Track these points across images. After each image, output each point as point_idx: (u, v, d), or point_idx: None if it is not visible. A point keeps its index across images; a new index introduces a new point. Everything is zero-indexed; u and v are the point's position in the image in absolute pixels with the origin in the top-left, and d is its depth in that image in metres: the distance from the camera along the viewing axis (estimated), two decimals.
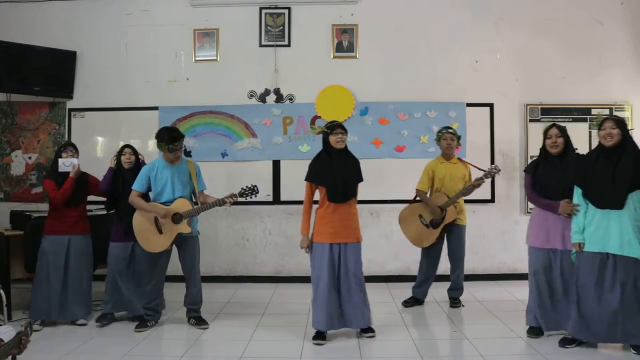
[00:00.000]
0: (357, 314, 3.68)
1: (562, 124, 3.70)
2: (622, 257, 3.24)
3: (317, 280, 3.68)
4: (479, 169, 4.50)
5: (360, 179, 3.81)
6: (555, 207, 3.50)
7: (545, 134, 3.67)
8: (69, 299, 4.03)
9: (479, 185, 4.36)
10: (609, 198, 3.26)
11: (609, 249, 3.27)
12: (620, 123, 3.34)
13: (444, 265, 4.60)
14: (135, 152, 4.22)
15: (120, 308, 4.16)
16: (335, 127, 3.72)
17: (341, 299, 3.67)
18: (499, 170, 4.45)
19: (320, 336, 3.66)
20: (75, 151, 4.15)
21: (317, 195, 3.82)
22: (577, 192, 3.43)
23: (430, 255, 4.51)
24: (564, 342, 3.44)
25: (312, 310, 3.73)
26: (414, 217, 4.47)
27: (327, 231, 3.68)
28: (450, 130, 4.48)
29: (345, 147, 3.77)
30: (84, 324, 4.05)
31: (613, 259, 3.27)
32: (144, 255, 4.07)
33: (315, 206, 3.81)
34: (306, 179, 3.78)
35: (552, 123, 3.72)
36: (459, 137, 4.54)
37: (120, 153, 4.20)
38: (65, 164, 4.02)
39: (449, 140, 4.44)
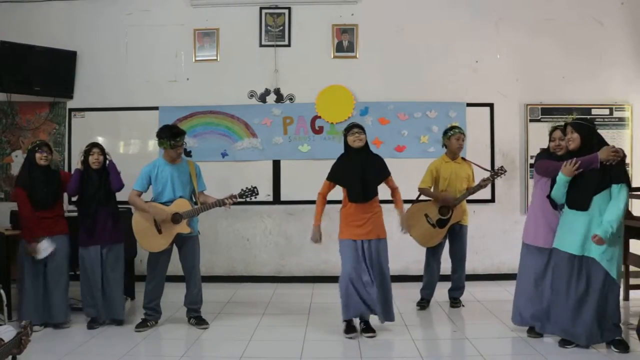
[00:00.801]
0: (388, 308, 3.80)
1: (563, 125, 3.68)
2: (586, 257, 3.30)
3: (342, 275, 3.77)
4: (484, 168, 4.51)
5: (383, 175, 3.85)
6: (595, 157, 3.24)
7: (550, 135, 3.68)
8: (51, 301, 3.95)
9: (485, 186, 4.37)
10: (575, 199, 3.34)
11: (569, 249, 3.34)
12: (581, 127, 3.35)
13: (443, 265, 4.59)
14: (103, 151, 4.08)
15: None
16: (351, 127, 3.84)
17: (363, 292, 3.72)
18: (505, 172, 4.45)
19: (350, 329, 3.76)
20: (49, 151, 4.03)
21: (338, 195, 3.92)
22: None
23: (436, 255, 4.51)
24: (564, 343, 3.45)
25: (342, 305, 3.77)
26: (420, 217, 4.45)
27: (350, 230, 3.79)
28: (462, 130, 4.46)
29: (366, 145, 3.84)
30: (68, 327, 4.01)
31: (579, 260, 3.33)
32: (115, 260, 4.04)
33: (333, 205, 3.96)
34: (327, 179, 3.88)
35: (556, 125, 3.71)
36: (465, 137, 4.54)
37: (87, 152, 4.04)
38: (47, 251, 3.86)
39: (460, 141, 4.43)
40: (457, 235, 4.48)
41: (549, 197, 3.51)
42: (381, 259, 3.78)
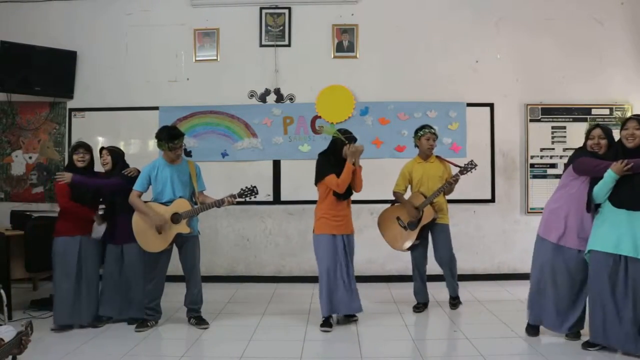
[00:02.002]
0: (354, 300, 4.00)
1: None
2: (635, 260, 3.15)
3: (323, 270, 3.96)
4: (457, 166, 4.36)
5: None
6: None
7: (588, 134, 3.53)
8: (83, 300, 3.97)
9: (455, 182, 4.25)
10: (627, 198, 3.19)
11: (622, 251, 3.19)
12: None
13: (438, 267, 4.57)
14: (110, 152, 4.13)
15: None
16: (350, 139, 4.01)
17: (344, 286, 3.96)
18: (475, 166, 4.31)
19: (327, 324, 3.95)
20: (85, 151, 4.05)
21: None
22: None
23: (416, 257, 4.45)
24: (587, 345, 3.37)
25: (320, 299, 3.98)
26: (391, 220, 4.45)
27: (329, 226, 3.99)
28: (432, 130, 4.37)
29: None
30: (100, 326, 4.03)
31: (625, 262, 3.19)
32: (134, 260, 4.04)
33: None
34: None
35: (596, 123, 3.61)
36: (437, 136, 4.44)
37: (100, 154, 4.17)
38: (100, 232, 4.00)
39: (431, 141, 4.36)
40: (437, 235, 4.39)
41: (589, 195, 3.33)
42: (352, 252, 4.10)
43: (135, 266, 4.06)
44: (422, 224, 4.33)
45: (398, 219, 4.43)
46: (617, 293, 3.21)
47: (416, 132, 4.43)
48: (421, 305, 4.47)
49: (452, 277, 4.45)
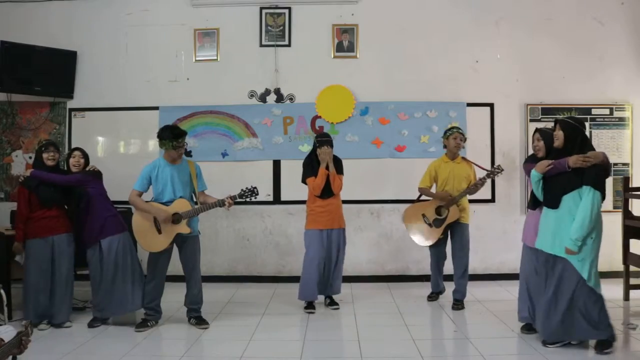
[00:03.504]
0: (339, 284, 4.53)
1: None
2: (559, 257, 3.32)
3: (307, 260, 4.44)
4: (483, 168, 4.55)
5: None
6: (564, 162, 3.31)
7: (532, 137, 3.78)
8: (57, 300, 3.97)
9: (482, 185, 4.41)
10: (547, 197, 3.41)
11: (546, 248, 3.38)
12: (566, 125, 3.38)
13: (447, 266, 4.62)
14: (85, 155, 4.15)
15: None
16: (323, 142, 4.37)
17: (328, 272, 4.46)
18: (502, 170, 4.45)
19: (309, 306, 4.43)
20: (56, 150, 4.06)
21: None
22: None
23: (436, 253, 4.62)
24: (546, 342, 3.46)
25: (301, 285, 4.42)
26: (417, 216, 4.56)
27: (317, 222, 4.44)
28: (460, 130, 4.52)
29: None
30: (69, 326, 4.02)
31: (553, 258, 3.35)
32: (113, 253, 4.01)
33: None
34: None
35: (537, 128, 3.78)
36: (465, 138, 4.59)
37: (71, 155, 4.15)
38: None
39: (458, 140, 4.48)
40: (457, 234, 4.50)
41: (532, 194, 3.60)
42: (343, 244, 4.48)
43: (115, 259, 4.00)
44: (447, 222, 4.43)
45: (423, 215, 4.52)
46: (547, 287, 3.39)
47: (445, 132, 4.60)
48: (435, 295, 4.67)
49: (463, 277, 4.49)
